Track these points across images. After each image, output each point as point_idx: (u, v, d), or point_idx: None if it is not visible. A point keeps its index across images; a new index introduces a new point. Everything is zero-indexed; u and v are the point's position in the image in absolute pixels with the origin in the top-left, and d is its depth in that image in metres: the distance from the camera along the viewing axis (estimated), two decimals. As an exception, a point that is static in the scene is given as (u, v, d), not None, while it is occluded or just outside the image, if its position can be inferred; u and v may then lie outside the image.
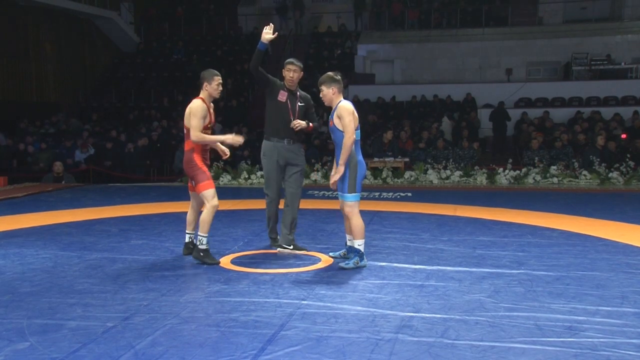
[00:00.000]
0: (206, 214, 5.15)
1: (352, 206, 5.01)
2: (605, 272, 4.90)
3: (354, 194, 5.00)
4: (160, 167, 14.30)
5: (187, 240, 5.55)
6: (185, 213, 5.54)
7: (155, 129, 15.90)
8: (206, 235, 5.19)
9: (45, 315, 3.89)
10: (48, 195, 9.96)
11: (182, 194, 10.24)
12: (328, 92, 5.07)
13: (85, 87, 20.53)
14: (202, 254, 5.21)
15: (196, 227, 5.38)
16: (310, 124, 5.72)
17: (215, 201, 5.18)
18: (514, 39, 19.83)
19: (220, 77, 5.32)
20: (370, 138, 14.27)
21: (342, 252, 5.43)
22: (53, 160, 13.04)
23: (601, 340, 3.43)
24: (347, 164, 4.99)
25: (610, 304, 4.08)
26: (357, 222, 5.03)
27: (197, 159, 5.22)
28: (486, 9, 20.88)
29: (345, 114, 4.94)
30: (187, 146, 5.28)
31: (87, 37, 20.70)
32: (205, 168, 5.24)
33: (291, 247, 5.67)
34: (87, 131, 15.99)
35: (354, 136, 4.95)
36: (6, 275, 4.90)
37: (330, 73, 5.18)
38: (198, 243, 5.22)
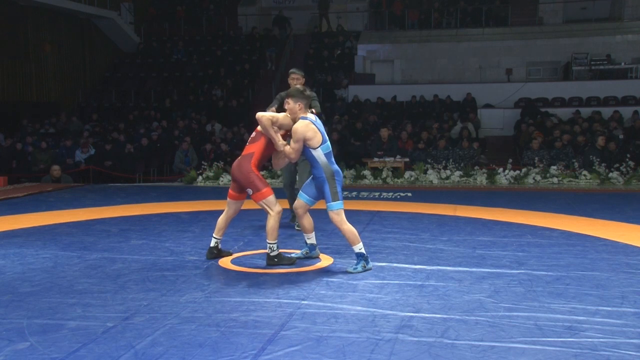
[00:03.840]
0: (273, 222, 5.01)
1: (339, 214, 4.95)
2: (605, 272, 4.90)
3: (337, 201, 4.95)
4: (160, 167, 14.29)
5: (212, 244, 5.42)
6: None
7: (155, 129, 15.88)
8: (275, 241, 5.10)
9: (45, 315, 3.89)
10: (48, 195, 9.95)
11: (182, 194, 10.25)
12: (294, 107, 4.98)
13: (85, 87, 20.53)
14: (276, 259, 5.12)
15: (224, 234, 5.45)
16: None
17: (279, 207, 5.06)
18: (514, 39, 19.80)
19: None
20: (370, 138, 14.26)
21: (304, 251, 5.38)
22: (53, 161, 13.02)
23: (601, 340, 3.43)
24: (324, 176, 4.93)
25: (610, 304, 4.08)
26: (347, 228, 4.95)
27: (254, 166, 5.07)
28: (486, 9, 20.86)
29: (295, 136, 4.89)
30: (248, 150, 5.12)
31: (87, 37, 20.70)
32: (260, 175, 5.11)
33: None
34: (87, 131, 15.98)
35: (295, 155, 4.96)
36: (6, 275, 4.91)
37: (300, 87, 5.10)
38: (269, 251, 5.12)
